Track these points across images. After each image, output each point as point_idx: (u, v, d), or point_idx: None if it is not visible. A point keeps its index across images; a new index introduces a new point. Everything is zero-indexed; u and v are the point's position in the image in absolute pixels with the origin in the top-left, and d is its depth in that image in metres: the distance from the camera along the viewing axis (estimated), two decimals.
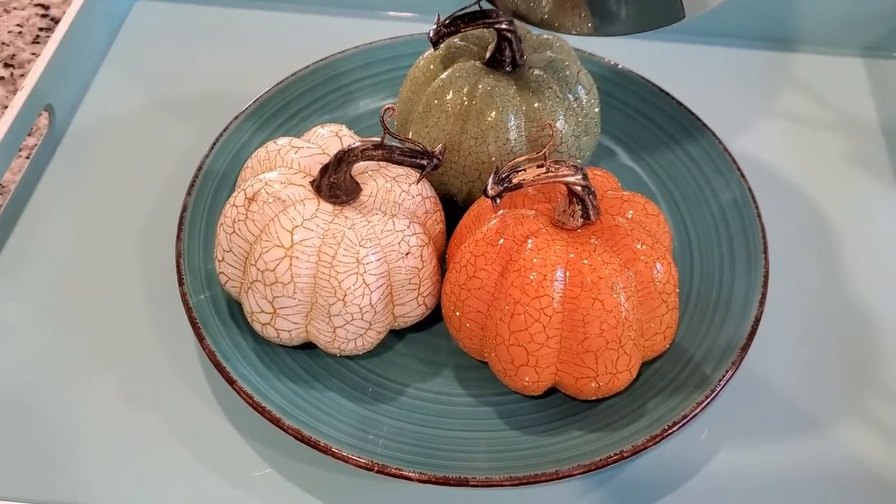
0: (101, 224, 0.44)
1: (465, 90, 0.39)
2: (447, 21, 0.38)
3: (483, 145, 0.39)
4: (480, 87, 0.39)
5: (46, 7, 0.55)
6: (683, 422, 0.35)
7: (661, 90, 0.47)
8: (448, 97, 0.40)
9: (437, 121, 0.40)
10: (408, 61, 0.46)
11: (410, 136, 0.41)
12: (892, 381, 0.40)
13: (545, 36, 0.42)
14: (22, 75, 0.51)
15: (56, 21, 0.55)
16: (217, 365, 0.36)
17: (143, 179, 0.46)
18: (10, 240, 0.43)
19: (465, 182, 0.41)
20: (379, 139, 0.35)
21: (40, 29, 0.54)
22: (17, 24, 0.54)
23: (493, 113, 0.39)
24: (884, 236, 0.45)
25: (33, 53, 0.53)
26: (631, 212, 0.36)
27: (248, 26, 0.54)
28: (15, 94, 0.49)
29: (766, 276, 0.39)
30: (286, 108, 0.46)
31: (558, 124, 0.40)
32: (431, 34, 0.38)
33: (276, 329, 0.36)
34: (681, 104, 0.46)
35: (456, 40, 0.41)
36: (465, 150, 0.40)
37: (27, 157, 0.46)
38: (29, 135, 0.47)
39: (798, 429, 0.38)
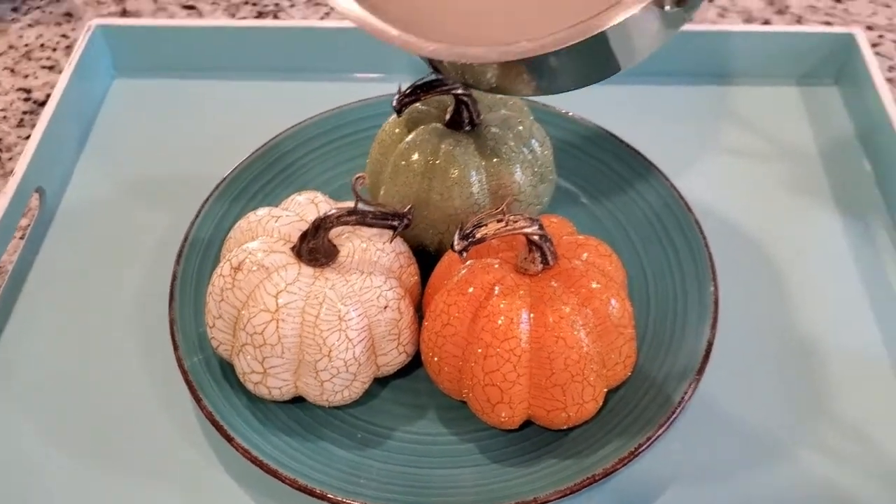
0: (97, 295, 0.47)
1: (429, 151, 0.43)
2: (408, 90, 0.42)
3: (449, 200, 0.42)
4: (443, 147, 0.43)
5: (28, 91, 0.58)
6: (648, 443, 0.38)
7: (610, 133, 0.50)
8: (414, 158, 0.43)
9: (406, 180, 0.43)
10: (376, 121, 0.49)
11: (382, 194, 0.44)
12: (837, 403, 0.43)
13: (498, 96, 0.45)
14: (10, 158, 0.54)
15: (38, 103, 0.58)
16: (215, 423, 0.39)
17: (133, 250, 0.49)
18: (12, 315, 0.46)
19: (435, 234, 0.44)
20: (352, 205, 0.38)
21: (24, 112, 0.57)
22: (2, 109, 0.57)
23: (456, 170, 0.42)
24: (825, 260, 0.48)
25: (18, 136, 0.55)
26: (585, 254, 0.39)
27: (222, 96, 0.57)
28: (3, 177, 0.52)
29: (715, 303, 0.42)
30: (263, 175, 0.50)
31: (516, 176, 0.43)
32: (395, 103, 0.42)
33: (268, 387, 0.39)
34: (628, 145, 0.50)
35: (418, 105, 0.44)
36: (433, 205, 0.43)
37: (21, 238, 0.49)
38: (22, 216, 0.50)
39: (756, 445, 0.41)
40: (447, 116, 0.44)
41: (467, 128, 0.43)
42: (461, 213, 0.42)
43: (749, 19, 0.64)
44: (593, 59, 0.36)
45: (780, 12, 0.64)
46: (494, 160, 0.43)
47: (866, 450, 0.41)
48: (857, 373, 0.44)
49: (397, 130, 0.44)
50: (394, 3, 0.37)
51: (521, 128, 0.44)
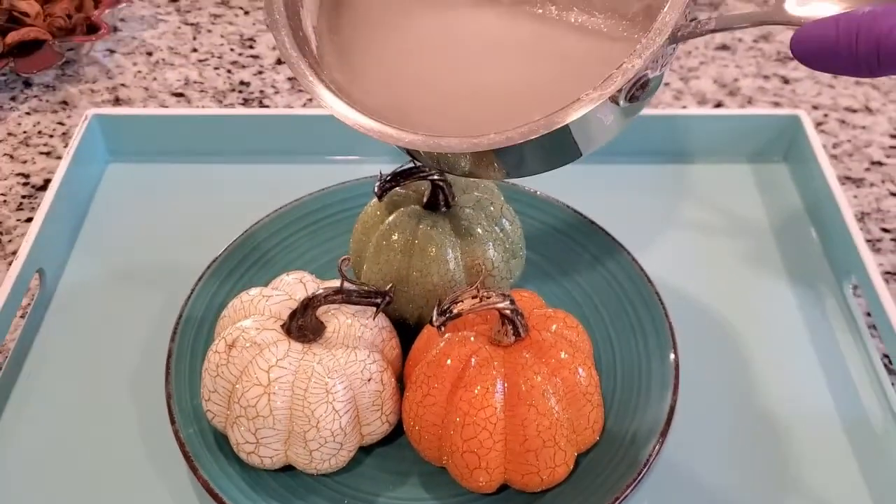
0: (95, 372, 0.49)
1: (408, 231, 0.46)
2: (388, 177, 0.45)
3: (427, 276, 0.46)
4: (421, 227, 0.46)
5: (27, 175, 0.62)
6: (617, 502, 0.41)
7: (575, 211, 0.54)
8: (394, 238, 0.46)
9: (387, 258, 0.46)
10: (357, 201, 0.53)
11: (365, 270, 0.47)
12: (793, 466, 0.46)
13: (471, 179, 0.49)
14: (10, 241, 0.57)
15: (36, 188, 0.61)
16: (210, 492, 0.41)
17: (129, 328, 0.51)
18: (13, 390, 0.48)
19: (415, 308, 0.47)
20: (338, 284, 0.41)
21: (23, 196, 0.60)
22: (2, 194, 0.60)
23: (434, 249, 0.46)
24: (778, 327, 0.52)
25: (17, 220, 0.58)
26: (554, 326, 0.42)
27: (211, 178, 0.60)
28: (4, 259, 0.55)
29: (676, 369, 0.46)
30: (252, 254, 0.53)
31: (489, 253, 0.46)
32: (376, 189, 0.45)
33: (260, 456, 0.41)
34: (592, 222, 0.53)
35: (398, 189, 0.48)
36: (413, 281, 0.46)
37: (22, 317, 0.51)
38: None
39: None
40: (424, 199, 0.47)
41: (443, 209, 0.47)
42: (439, 288, 0.46)
43: (703, 101, 0.68)
44: (556, 148, 0.39)
45: (732, 94, 0.69)
46: (469, 239, 0.46)
47: None
48: (811, 434, 0.47)
49: (378, 212, 0.48)
50: (372, 96, 0.41)
51: (492, 208, 0.48)
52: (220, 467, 0.43)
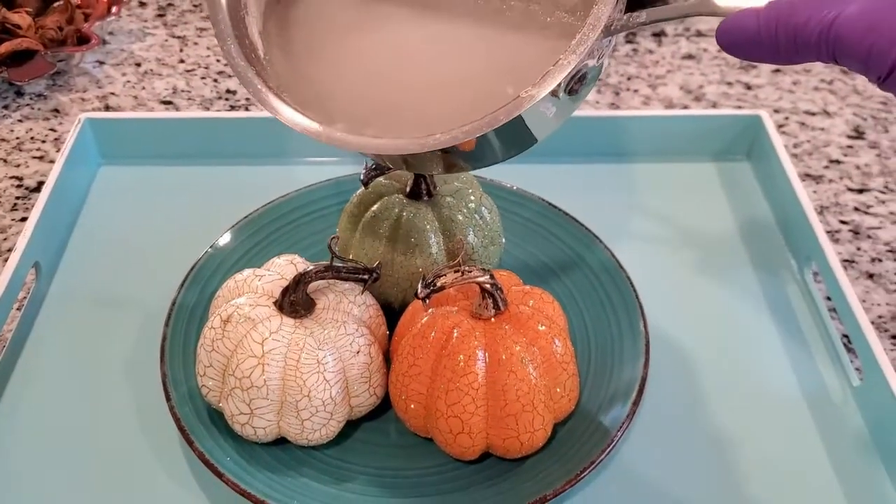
0: (92, 359, 0.51)
1: (392, 218, 0.49)
2: (373, 166, 0.48)
3: (412, 259, 0.48)
4: (405, 214, 0.49)
5: (20, 178, 0.64)
6: (592, 466, 0.43)
7: (551, 204, 0.57)
8: (380, 225, 0.49)
9: (373, 244, 0.49)
10: (341, 197, 0.56)
11: (352, 257, 0.50)
12: (762, 444, 0.49)
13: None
14: (5, 239, 0.59)
15: (29, 189, 0.63)
16: (206, 462, 0.43)
17: (125, 316, 0.53)
18: (11, 377, 0.50)
19: (399, 291, 0.49)
20: (328, 262, 0.44)
21: (17, 198, 0.62)
22: None
23: (417, 234, 0.48)
24: (746, 315, 0.55)
25: (12, 219, 0.60)
26: (531, 301, 0.45)
27: (199, 179, 0.63)
28: (0, 256, 0.57)
29: (646, 342, 0.48)
30: (241, 246, 0.55)
31: (469, 238, 0.49)
32: (362, 177, 0.48)
33: (253, 427, 0.43)
34: (566, 213, 0.56)
35: (381, 179, 0.51)
36: (398, 265, 0.48)
37: (18, 309, 0.53)
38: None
39: (687, 485, 0.47)
40: (408, 188, 0.50)
41: (426, 198, 0.50)
42: (423, 271, 0.48)
43: (670, 106, 0.72)
44: (507, 141, 0.40)
45: (698, 99, 0.73)
46: (450, 225, 0.49)
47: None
48: (776, 408, 0.50)
49: (364, 202, 0.50)
50: (321, 101, 0.41)
51: (472, 197, 0.50)
52: (214, 441, 0.45)
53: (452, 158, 0.40)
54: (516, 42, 0.41)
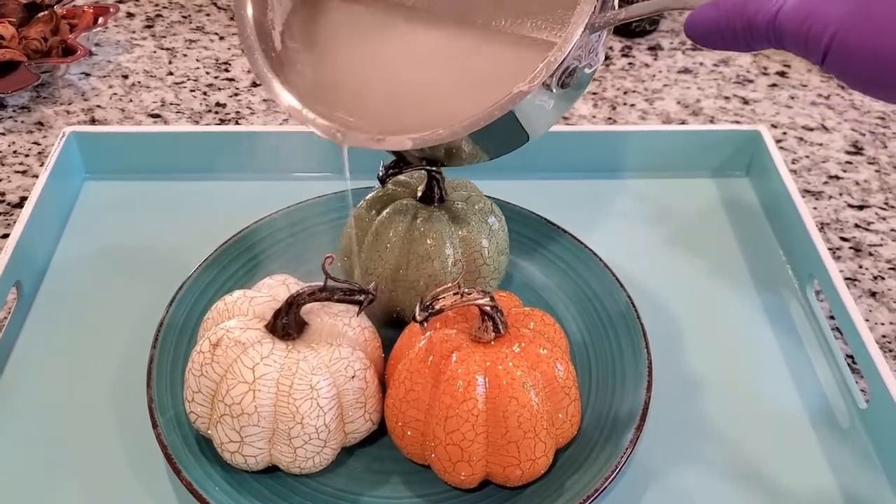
0: (76, 381, 0.49)
1: (407, 220, 0.47)
2: (391, 163, 0.46)
3: (428, 261, 0.47)
4: (419, 217, 0.48)
5: (2, 193, 0.62)
6: (596, 495, 0.42)
7: (549, 221, 0.56)
8: (393, 228, 0.47)
9: (388, 248, 0.47)
10: (333, 215, 0.54)
11: (363, 259, 0.48)
12: (767, 468, 0.47)
13: (458, 180, 0.51)
14: None
15: (12, 205, 0.61)
16: (194, 493, 0.41)
17: (109, 337, 0.51)
18: None
19: (414, 297, 0.48)
20: (322, 283, 0.42)
21: None
22: None
23: (434, 236, 0.47)
24: (748, 334, 0.53)
25: None
26: (532, 323, 0.43)
27: (186, 195, 0.61)
28: None
29: (649, 365, 0.47)
30: (231, 264, 0.53)
31: (483, 243, 0.48)
32: (380, 173, 0.46)
33: (244, 456, 0.42)
34: (566, 231, 0.55)
35: (389, 186, 0.49)
36: (413, 267, 0.47)
37: None
38: None
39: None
40: (419, 193, 0.49)
41: (437, 203, 0.48)
42: (439, 275, 0.47)
43: (667, 120, 0.71)
44: (506, 134, 0.43)
45: (695, 114, 0.72)
46: (464, 229, 0.48)
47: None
48: (780, 430, 0.48)
49: (373, 209, 0.49)
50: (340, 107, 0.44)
51: (482, 204, 0.50)
52: (202, 469, 0.43)
53: (467, 149, 0.43)
54: (512, 48, 0.44)
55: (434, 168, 0.47)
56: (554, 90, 0.40)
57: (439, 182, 0.48)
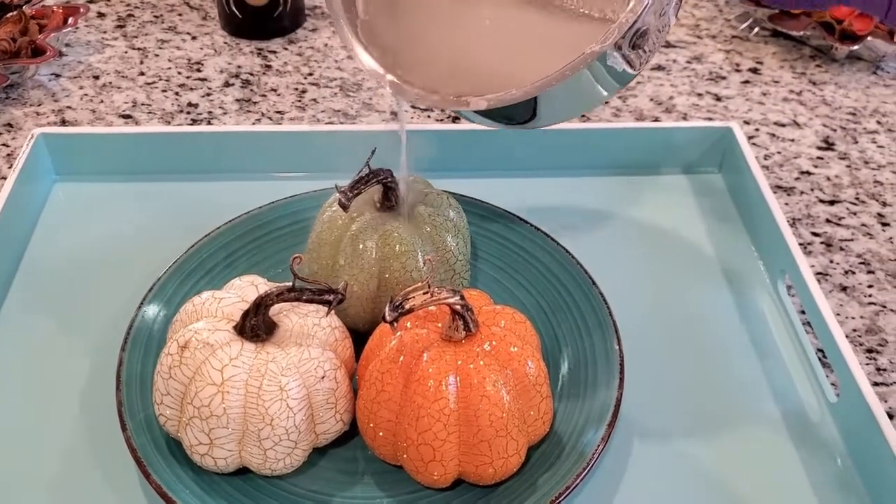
0: (45, 385, 0.49)
1: (375, 238, 0.47)
2: (351, 185, 0.46)
3: (403, 268, 0.47)
4: (387, 228, 0.48)
5: None
6: (568, 492, 0.42)
7: (520, 218, 0.56)
8: (362, 245, 0.47)
9: (363, 267, 0.47)
10: (304, 215, 0.54)
11: (342, 266, 0.48)
12: (739, 462, 0.48)
13: (412, 177, 0.50)
14: None
15: None
16: (163, 496, 0.41)
17: (79, 341, 0.51)
18: None
19: None
20: (290, 284, 0.42)
21: None
22: None
23: (399, 245, 0.47)
24: (719, 328, 0.54)
25: None
26: (503, 321, 0.43)
27: (157, 196, 0.61)
28: None
29: (621, 361, 0.47)
30: (202, 266, 0.53)
31: (449, 240, 0.48)
32: (342, 200, 0.46)
33: (214, 458, 0.41)
34: (537, 228, 0.55)
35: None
36: (390, 273, 0.47)
37: None
38: None
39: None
40: (378, 203, 0.49)
41: (395, 207, 0.49)
42: (415, 278, 0.47)
43: (640, 118, 0.71)
44: (574, 97, 0.44)
45: (668, 111, 0.72)
46: (428, 230, 0.48)
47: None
48: (752, 425, 0.49)
49: (340, 221, 0.48)
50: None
51: (438, 199, 0.50)
52: (172, 472, 0.43)
53: (547, 104, 0.44)
54: (575, 20, 0.45)
55: (389, 179, 0.47)
56: (626, 51, 0.41)
57: (394, 189, 0.48)
